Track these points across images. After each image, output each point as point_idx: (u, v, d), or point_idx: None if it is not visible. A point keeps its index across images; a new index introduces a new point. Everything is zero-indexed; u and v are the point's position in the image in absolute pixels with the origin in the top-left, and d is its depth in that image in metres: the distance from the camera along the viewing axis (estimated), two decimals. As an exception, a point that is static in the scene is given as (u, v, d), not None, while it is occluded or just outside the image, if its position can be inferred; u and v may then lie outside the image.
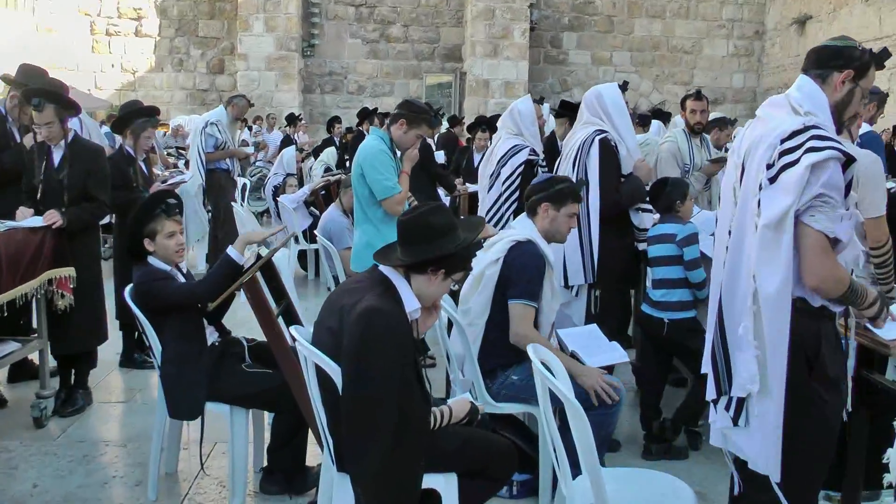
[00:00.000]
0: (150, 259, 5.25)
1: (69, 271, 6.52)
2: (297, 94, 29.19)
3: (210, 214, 11.20)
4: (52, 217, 6.36)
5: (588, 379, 4.89)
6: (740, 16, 31.45)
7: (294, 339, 4.00)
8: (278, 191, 11.68)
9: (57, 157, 6.62)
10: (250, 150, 16.69)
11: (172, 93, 30.83)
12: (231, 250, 5.12)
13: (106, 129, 18.24)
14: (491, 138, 9.28)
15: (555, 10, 31.01)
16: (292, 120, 19.04)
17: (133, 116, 8.00)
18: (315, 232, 8.12)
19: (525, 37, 29.26)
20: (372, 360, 3.62)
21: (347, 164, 16.98)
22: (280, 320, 5.14)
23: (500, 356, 5.15)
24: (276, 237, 6.89)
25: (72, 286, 6.55)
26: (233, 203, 11.23)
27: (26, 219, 6.40)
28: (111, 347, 7.75)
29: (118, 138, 17.00)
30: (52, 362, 6.96)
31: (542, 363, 3.82)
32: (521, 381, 5.11)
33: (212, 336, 5.35)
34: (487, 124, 12.02)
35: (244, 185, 13.94)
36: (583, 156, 6.46)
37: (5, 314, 5.95)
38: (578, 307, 6.43)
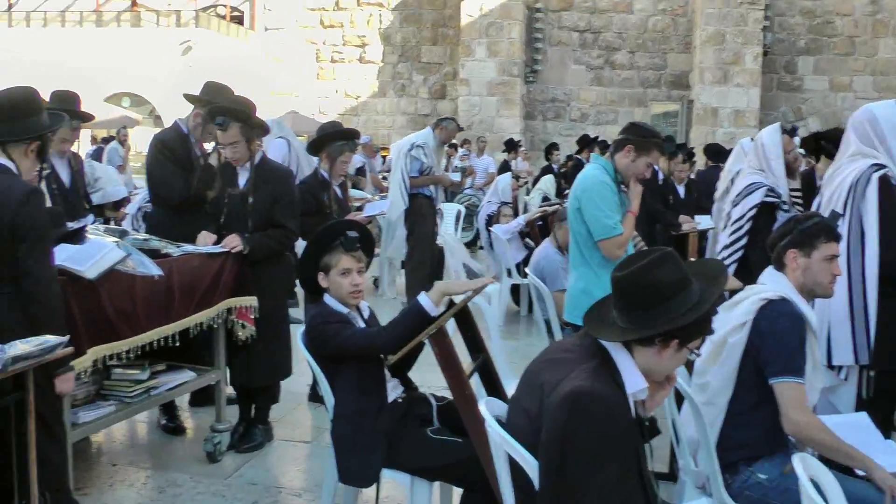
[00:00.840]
0: (326, 298, 4.50)
1: (251, 301, 5.92)
2: (518, 119, 28.58)
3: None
4: (234, 242, 5.77)
5: (886, 478, 3.58)
6: None
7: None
8: (492, 220, 10.91)
9: (242, 179, 6.04)
10: (456, 176, 15.99)
11: (394, 118, 30.80)
12: (423, 298, 4.24)
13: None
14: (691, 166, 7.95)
15: (790, 32, 29.13)
16: (512, 145, 18.22)
17: (329, 139, 7.37)
18: (527, 270, 7.27)
19: (757, 62, 27.66)
20: (578, 459, 2.74)
21: (566, 193, 16.17)
22: (476, 377, 4.26)
23: (745, 446, 3.97)
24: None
25: (254, 316, 5.92)
26: (440, 232, 10.55)
27: (207, 244, 5.81)
28: (302, 378, 7.14)
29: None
30: (231, 391, 6.44)
31: (812, 480, 2.78)
32: (771, 483, 3.90)
33: (394, 391, 4.53)
34: (687, 152, 10.79)
35: (458, 212, 13.29)
36: (856, 198, 4.92)
37: (177, 343, 5.36)
38: (846, 394, 4.91)
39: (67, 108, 6.65)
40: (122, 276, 4.81)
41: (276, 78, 30.61)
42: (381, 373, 4.42)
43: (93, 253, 4.65)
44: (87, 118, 7.38)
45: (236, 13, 33.40)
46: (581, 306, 4.77)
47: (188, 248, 5.66)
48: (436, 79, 30.85)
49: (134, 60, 28.66)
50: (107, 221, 8.89)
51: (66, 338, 3.86)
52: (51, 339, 3.73)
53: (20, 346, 3.55)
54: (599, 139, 15.34)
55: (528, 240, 11.11)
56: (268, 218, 5.97)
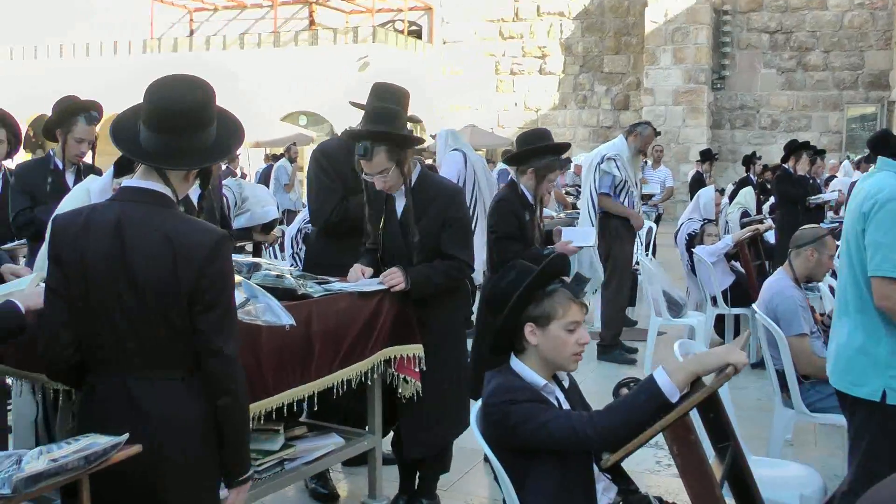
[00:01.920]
0: (515, 362, 3.20)
1: (416, 350, 4.66)
2: (705, 129, 26.81)
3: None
4: (394, 278, 4.54)
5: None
6: None
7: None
8: (693, 240, 9.39)
9: (399, 206, 4.80)
10: (655, 187, 14.37)
11: (575, 130, 29.40)
12: (662, 376, 2.87)
13: (501, 166, 16.84)
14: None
15: None
16: (707, 156, 16.49)
17: (538, 153, 5.93)
18: (755, 307, 5.73)
19: (970, 56, 25.16)
20: None
21: (766, 207, 14.41)
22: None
23: None
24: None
25: (419, 369, 4.66)
26: (638, 255, 9.15)
27: (360, 280, 4.60)
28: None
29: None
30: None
31: None
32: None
33: (605, 495, 3.16)
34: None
35: (649, 229, 11.84)
36: None
37: (315, 407, 4.18)
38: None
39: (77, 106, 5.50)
40: (241, 327, 3.64)
41: (455, 91, 29.66)
42: (589, 472, 3.07)
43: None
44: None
45: (414, 27, 32.65)
46: (854, 370, 3.70)
47: (335, 285, 4.47)
48: (618, 89, 29.35)
49: (311, 78, 28.15)
50: (256, 246, 7.94)
51: (123, 438, 2.63)
52: (99, 439, 2.53)
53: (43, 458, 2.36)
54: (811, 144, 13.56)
55: (734, 262, 9.57)
56: (434, 247, 4.73)
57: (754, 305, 5.86)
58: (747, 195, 13.65)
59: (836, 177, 16.51)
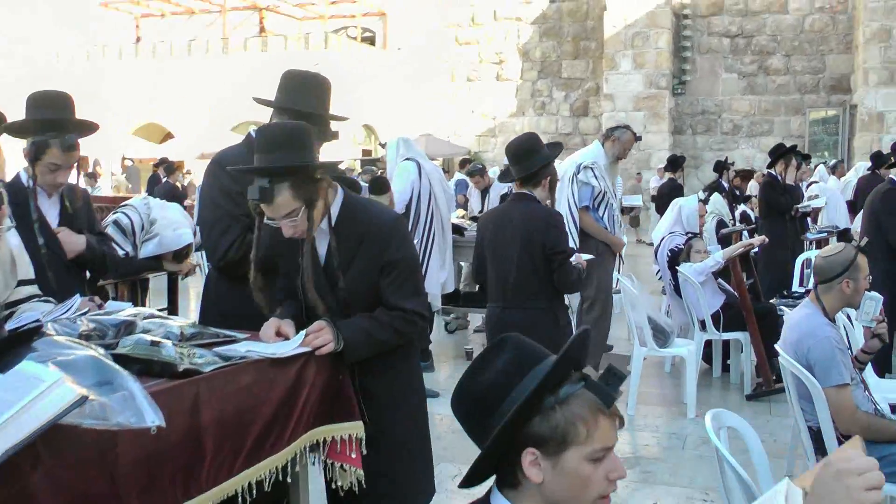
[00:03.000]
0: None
1: (353, 429, 3.39)
2: (667, 135, 25.79)
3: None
4: (320, 337, 3.28)
5: None
6: None
7: None
8: (677, 257, 8.21)
9: (322, 246, 3.53)
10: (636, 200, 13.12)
11: (534, 137, 28.27)
12: None
13: (460, 175, 15.59)
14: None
15: (963, 24, 25.64)
16: (677, 163, 15.22)
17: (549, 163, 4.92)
18: (776, 347, 4.53)
19: (929, 60, 24.29)
20: None
21: (737, 214, 13.24)
22: None
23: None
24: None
25: (361, 453, 3.39)
26: (619, 275, 7.93)
27: (273, 339, 3.33)
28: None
29: (471, 186, 14.45)
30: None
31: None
32: None
33: None
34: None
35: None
36: None
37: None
38: None
39: (56, 119, 4.18)
40: (84, 438, 2.39)
41: (409, 99, 28.40)
42: None
43: (10, 400, 2.21)
44: (85, 129, 4.34)
45: (368, 33, 31.34)
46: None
47: (239, 348, 3.19)
48: (577, 95, 28.28)
49: (261, 86, 26.61)
50: (171, 278, 6.64)
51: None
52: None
53: None
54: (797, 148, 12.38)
55: (720, 280, 8.40)
56: (370, 296, 3.48)
57: (778, 347, 4.66)
58: (718, 202, 12.48)
59: (814, 182, 15.40)
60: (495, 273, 5.28)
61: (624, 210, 8.80)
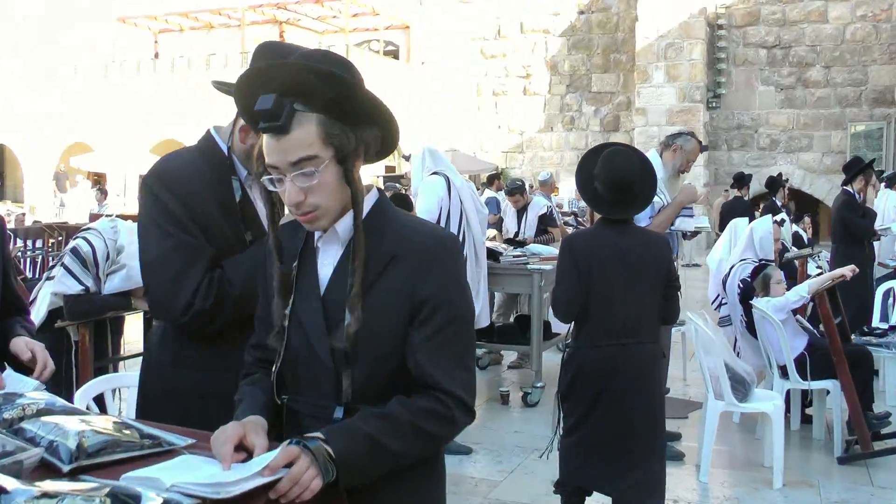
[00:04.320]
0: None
1: None
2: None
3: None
4: (298, 485, 1.93)
5: None
6: None
7: None
8: (751, 289, 6.87)
9: (327, 263, 2.18)
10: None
11: (562, 154, 26.94)
12: None
13: (492, 194, 14.27)
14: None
15: None
16: (742, 180, 13.20)
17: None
18: None
19: None
20: None
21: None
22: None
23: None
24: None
25: None
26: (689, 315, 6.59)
27: (228, 461, 2.02)
28: None
29: (506, 205, 13.01)
30: None
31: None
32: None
33: None
34: None
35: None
36: None
37: None
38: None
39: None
40: None
41: (434, 114, 27.16)
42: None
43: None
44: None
45: (391, 47, 30.11)
46: None
47: (181, 478, 1.89)
48: (608, 109, 26.96)
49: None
50: (147, 319, 5.41)
51: None
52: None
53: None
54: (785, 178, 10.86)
55: (799, 317, 7.06)
56: (389, 348, 2.16)
57: None
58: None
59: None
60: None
61: (686, 235, 7.44)
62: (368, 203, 2.19)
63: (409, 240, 2.17)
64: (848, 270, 6.73)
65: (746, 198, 13.46)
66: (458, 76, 27.84)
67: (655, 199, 6.29)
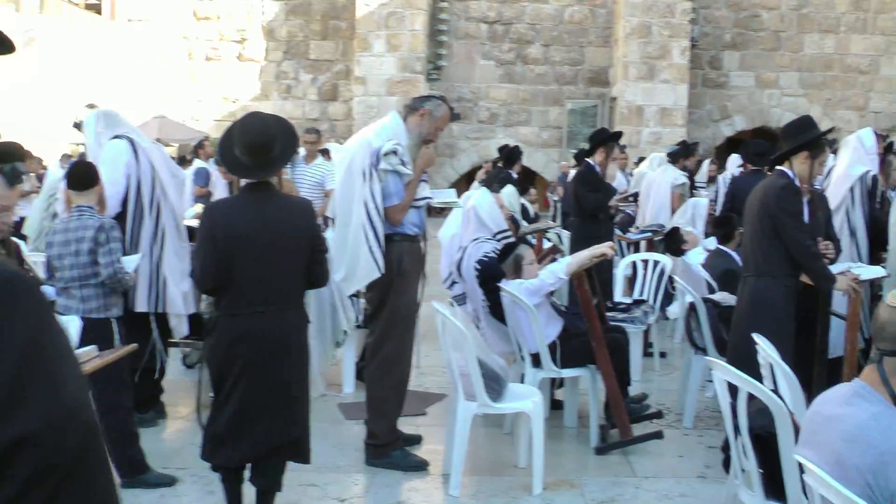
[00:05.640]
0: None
1: None
2: (421, 122, 23.78)
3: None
4: None
5: None
6: (925, 29, 25.50)
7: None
8: (492, 269, 6.05)
9: None
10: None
11: (280, 123, 25.62)
12: None
13: (202, 164, 12.77)
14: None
15: (715, 25, 25.48)
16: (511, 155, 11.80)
17: None
18: (801, 461, 2.47)
19: (685, 56, 24.05)
20: None
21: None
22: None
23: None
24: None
25: None
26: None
27: None
28: None
29: (216, 177, 11.49)
30: None
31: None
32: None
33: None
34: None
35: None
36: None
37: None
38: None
39: None
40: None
41: (142, 78, 25.10)
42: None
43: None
44: None
45: (93, 0, 27.53)
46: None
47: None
48: (326, 78, 25.88)
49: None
50: None
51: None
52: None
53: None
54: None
55: (554, 300, 6.37)
56: None
57: (809, 464, 2.57)
58: (512, 197, 10.46)
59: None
60: None
61: (432, 211, 6.58)
62: None
63: None
64: (607, 248, 6.05)
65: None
66: (168, 37, 25.85)
67: (402, 168, 5.37)
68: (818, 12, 25.49)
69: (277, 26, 25.88)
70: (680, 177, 11.05)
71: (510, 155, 11.42)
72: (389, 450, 5.52)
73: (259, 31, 25.93)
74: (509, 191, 10.58)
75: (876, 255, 6.70)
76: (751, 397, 3.54)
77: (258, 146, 4.24)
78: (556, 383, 6.68)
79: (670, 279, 8.44)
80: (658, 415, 6.38)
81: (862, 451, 2.44)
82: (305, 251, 4.34)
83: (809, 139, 5.26)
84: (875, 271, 5.87)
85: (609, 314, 7.08)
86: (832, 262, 5.71)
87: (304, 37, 25.86)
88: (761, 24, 25.52)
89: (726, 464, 4.19)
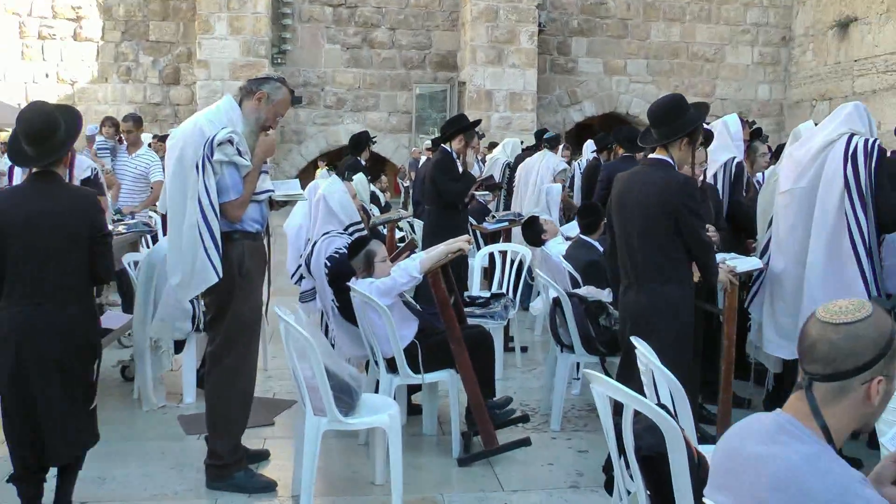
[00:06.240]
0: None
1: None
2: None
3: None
4: None
5: None
6: (766, 20, 26.11)
7: None
8: (342, 267, 5.50)
9: None
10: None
11: (119, 107, 24.14)
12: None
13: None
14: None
15: (562, 11, 25.39)
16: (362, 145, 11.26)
17: None
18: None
19: (533, 41, 23.81)
20: None
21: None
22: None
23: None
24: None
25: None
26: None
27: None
28: None
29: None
30: None
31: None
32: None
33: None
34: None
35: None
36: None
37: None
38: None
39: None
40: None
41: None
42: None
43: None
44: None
45: None
46: None
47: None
48: (167, 60, 24.66)
49: None
50: None
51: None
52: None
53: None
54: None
55: (408, 299, 5.88)
56: None
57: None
58: (363, 185, 9.89)
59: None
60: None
61: (274, 204, 5.95)
62: None
63: None
64: (464, 242, 5.58)
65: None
66: (-4, 14, 24.20)
67: (239, 159, 4.77)
68: (664, 1, 25.73)
69: (115, 4, 24.49)
70: (561, 163, 10.77)
71: (357, 141, 10.84)
72: (233, 471, 4.93)
73: (95, 9, 24.51)
74: (360, 178, 10.04)
75: (743, 244, 6.47)
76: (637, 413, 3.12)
77: (39, 134, 4.14)
78: (414, 386, 6.20)
79: (529, 271, 8.08)
80: (524, 419, 5.99)
81: (796, 503, 2.02)
82: (83, 244, 4.20)
83: (692, 127, 4.87)
84: (752, 263, 5.57)
85: (467, 309, 6.65)
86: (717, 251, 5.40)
87: (142, 17, 24.55)
88: (608, 12, 25.57)
89: (608, 486, 3.76)
